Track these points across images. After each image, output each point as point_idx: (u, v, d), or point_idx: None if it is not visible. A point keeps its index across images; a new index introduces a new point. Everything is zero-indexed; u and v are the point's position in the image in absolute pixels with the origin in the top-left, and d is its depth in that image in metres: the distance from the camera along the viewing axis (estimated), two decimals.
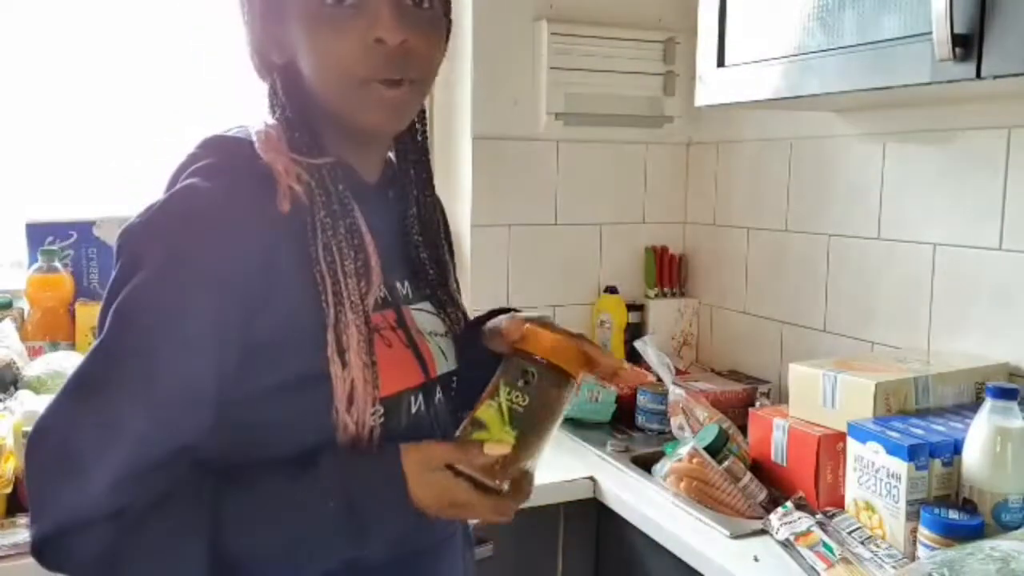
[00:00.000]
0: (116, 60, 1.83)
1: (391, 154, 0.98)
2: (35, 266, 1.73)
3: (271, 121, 0.86)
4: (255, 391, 0.79)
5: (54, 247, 1.76)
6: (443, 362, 0.94)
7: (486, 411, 0.82)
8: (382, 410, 0.83)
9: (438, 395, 0.93)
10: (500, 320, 0.94)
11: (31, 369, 1.54)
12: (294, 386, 0.80)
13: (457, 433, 0.84)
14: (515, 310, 1.00)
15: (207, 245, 0.77)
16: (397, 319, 0.90)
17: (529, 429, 0.82)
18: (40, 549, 0.75)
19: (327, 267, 0.81)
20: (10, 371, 1.50)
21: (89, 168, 1.86)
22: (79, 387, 0.76)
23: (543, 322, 0.89)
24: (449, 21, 0.91)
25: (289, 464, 0.79)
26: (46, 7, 1.79)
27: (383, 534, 0.80)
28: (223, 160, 0.82)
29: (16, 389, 1.48)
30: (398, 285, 0.92)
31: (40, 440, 0.75)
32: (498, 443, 0.81)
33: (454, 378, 0.96)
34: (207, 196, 0.78)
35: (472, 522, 0.99)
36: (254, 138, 0.84)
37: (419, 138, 0.97)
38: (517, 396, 0.82)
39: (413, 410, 0.88)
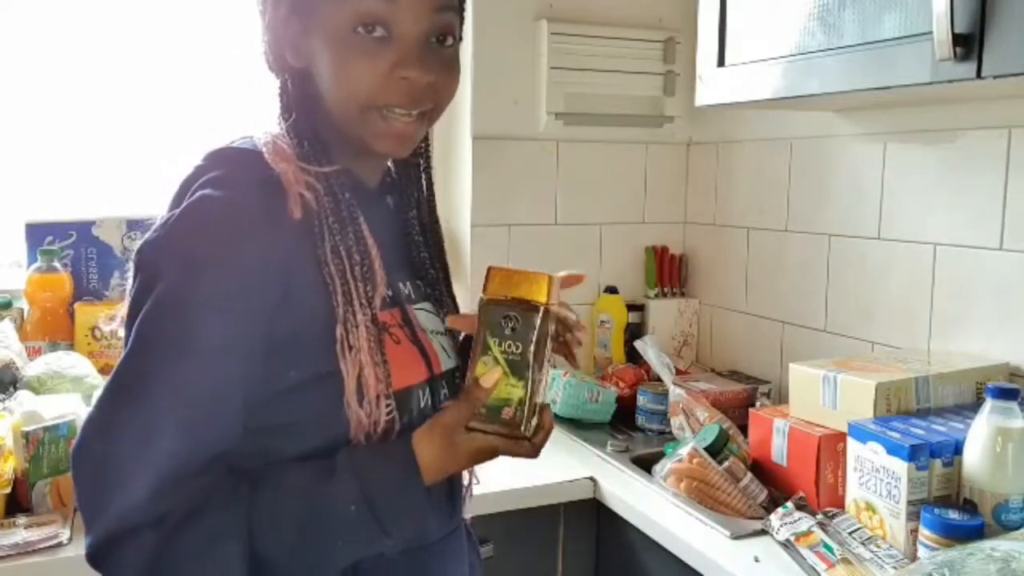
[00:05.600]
0: (116, 60, 1.83)
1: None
2: (34, 266, 1.73)
3: (276, 129, 0.88)
4: (273, 393, 0.81)
5: (54, 247, 1.76)
6: (445, 359, 0.96)
7: (484, 368, 0.83)
8: (394, 404, 0.85)
9: (443, 391, 0.95)
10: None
11: (30, 369, 1.53)
12: (309, 385, 0.82)
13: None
14: None
15: (223, 253, 0.78)
16: (403, 317, 0.92)
17: (531, 371, 0.83)
18: (94, 558, 0.78)
19: (335, 269, 0.83)
20: (9, 371, 1.50)
21: (89, 168, 1.86)
22: (112, 401, 0.78)
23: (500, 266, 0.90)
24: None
25: (309, 467, 0.81)
26: (46, 8, 1.79)
27: (403, 530, 0.83)
28: (231, 171, 0.83)
29: (15, 389, 1.47)
30: (400, 286, 0.95)
31: (81, 455, 0.78)
32: (491, 373, 0.83)
33: (456, 374, 0.98)
34: (220, 206, 0.80)
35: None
36: (263, 149, 0.86)
37: (423, 142, 1.00)
38: (509, 345, 0.83)
39: (422, 404, 0.91)
